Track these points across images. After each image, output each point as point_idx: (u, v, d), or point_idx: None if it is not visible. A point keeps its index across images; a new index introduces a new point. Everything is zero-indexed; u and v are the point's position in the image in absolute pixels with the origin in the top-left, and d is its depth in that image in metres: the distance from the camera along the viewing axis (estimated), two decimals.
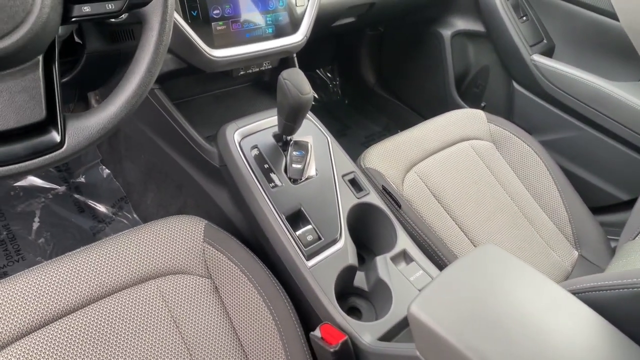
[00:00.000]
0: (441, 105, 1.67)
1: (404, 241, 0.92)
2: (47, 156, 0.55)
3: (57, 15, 0.55)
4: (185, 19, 0.86)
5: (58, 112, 0.57)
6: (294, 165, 0.94)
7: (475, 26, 1.57)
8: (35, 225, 1.34)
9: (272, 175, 0.92)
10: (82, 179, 1.46)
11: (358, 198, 0.96)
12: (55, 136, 0.56)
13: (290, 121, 0.89)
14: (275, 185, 0.91)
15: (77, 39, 0.86)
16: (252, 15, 0.96)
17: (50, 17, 0.53)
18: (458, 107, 1.62)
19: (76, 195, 1.42)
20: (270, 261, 0.87)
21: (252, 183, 0.90)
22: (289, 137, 0.96)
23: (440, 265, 0.99)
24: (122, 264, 0.76)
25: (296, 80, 0.83)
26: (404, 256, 0.91)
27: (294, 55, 1.19)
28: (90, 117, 0.59)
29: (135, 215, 1.37)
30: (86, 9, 0.58)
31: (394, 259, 0.89)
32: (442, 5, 1.60)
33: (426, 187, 1.15)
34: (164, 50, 0.64)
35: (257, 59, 1.00)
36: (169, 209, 1.22)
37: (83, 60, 0.90)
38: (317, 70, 2.07)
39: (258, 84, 1.22)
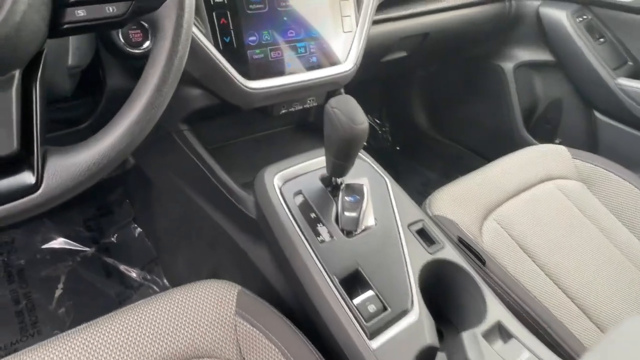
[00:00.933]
0: (508, 145, 1.46)
1: (496, 310, 0.70)
2: (15, 203, 0.41)
3: (40, 18, 0.42)
4: (216, 46, 0.74)
5: (35, 145, 0.43)
6: (347, 214, 0.76)
7: (542, 55, 1.39)
8: (58, 292, 1.21)
9: (321, 227, 0.75)
10: (113, 239, 1.34)
11: (431, 253, 0.75)
12: (29, 176, 0.42)
13: (341, 159, 0.72)
14: (325, 240, 0.73)
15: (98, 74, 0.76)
16: (293, 42, 0.83)
17: (28, 19, 0.40)
18: (527, 144, 1.41)
19: (105, 258, 1.30)
20: (320, 339, 0.67)
21: (296, 237, 0.72)
22: (339, 180, 0.79)
23: (547, 339, 0.74)
24: (142, 342, 0.59)
25: (347, 108, 0.67)
26: (500, 331, 0.68)
27: (342, 90, 1.05)
28: (80, 151, 0.45)
29: (165, 281, 1.22)
30: (80, 12, 0.45)
31: (487, 335, 0.66)
32: (502, 37, 1.44)
33: (509, 236, 0.93)
34: (179, 65, 0.50)
35: (300, 91, 0.86)
36: (200, 272, 1.05)
37: (103, 101, 0.79)
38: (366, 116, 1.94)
39: (302, 126, 1.08)
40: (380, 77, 1.61)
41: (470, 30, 1.31)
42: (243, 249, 0.87)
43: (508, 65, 1.45)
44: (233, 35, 0.76)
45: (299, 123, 1.08)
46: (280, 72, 0.82)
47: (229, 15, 0.75)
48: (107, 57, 0.74)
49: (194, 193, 0.96)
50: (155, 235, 1.27)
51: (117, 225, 1.37)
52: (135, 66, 0.79)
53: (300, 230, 0.73)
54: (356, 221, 0.75)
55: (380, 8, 1.01)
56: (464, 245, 0.83)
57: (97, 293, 1.22)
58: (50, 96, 0.72)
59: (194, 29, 0.72)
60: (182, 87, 0.83)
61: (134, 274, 1.26)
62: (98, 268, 1.28)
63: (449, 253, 0.77)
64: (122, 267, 1.29)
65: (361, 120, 0.68)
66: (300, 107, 0.97)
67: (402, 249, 0.75)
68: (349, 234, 0.75)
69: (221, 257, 0.99)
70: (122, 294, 1.22)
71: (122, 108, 0.49)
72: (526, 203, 1.01)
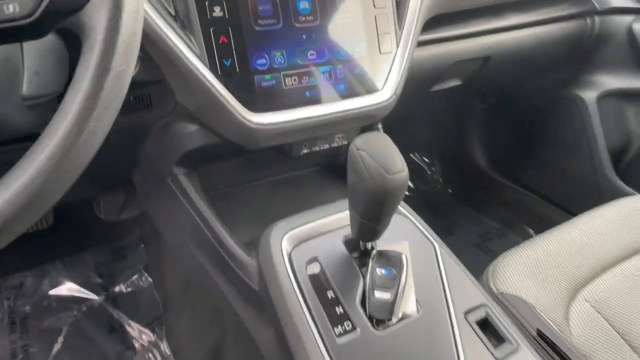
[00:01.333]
0: (592, 193, 1.19)
1: None
2: None
3: None
4: (213, 70, 0.58)
5: None
6: (378, 295, 0.55)
7: (636, 82, 1.12)
8: (57, 347, 1.09)
9: (340, 312, 0.54)
10: (122, 288, 1.21)
11: (499, 359, 0.52)
12: None
13: (370, 219, 0.53)
14: (345, 331, 0.53)
15: None
16: (315, 66, 0.66)
17: None
18: (619, 193, 1.13)
19: (111, 310, 1.16)
20: None
21: (304, 326, 0.52)
22: (369, 245, 0.59)
23: None
24: None
25: (379, 151, 0.49)
26: None
27: (379, 125, 0.86)
28: None
29: (165, 348, 1.05)
30: None
31: None
32: (582, 60, 1.19)
33: (610, 326, 0.68)
34: (114, 88, 0.34)
35: (322, 127, 0.68)
36: (203, 342, 0.87)
37: None
38: (411, 155, 1.72)
39: (330, 168, 0.89)
40: (428, 109, 1.41)
41: (541, 53, 1.09)
42: (246, 326, 0.68)
43: (590, 95, 1.20)
44: (235, 57, 0.60)
45: (325, 165, 0.89)
46: (297, 104, 0.65)
47: (230, 32, 0.59)
48: None
49: (196, 250, 0.79)
50: (164, 288, 1.11)
51: (129, 271, 1.24)
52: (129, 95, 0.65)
53: (312, 316, 0.53)
54: (390, 306, 0.54)
55: (428, 26, 0.82)
56: (547, 344, 0.59)
57: (96, 352, 1.08)
58: (4, 134, 0.59)
59: (183, 48, 0.56)
60: (174, 122, 0.67)
61: (136, 331, 1.11)
62: (102, 321, 1.15)
63: (526, 358, 0.53)
64: (126, 323, 1.14)
65: (398, 167, 0.49)
66: (327, 146, 0.79)
67: (457, 350, 0.52)
68: (379, 323, 0.54)
69: (225, 330, 0.80)
70: (122, 355, 1.07)
71: (31, 148, 0.34)
72: (628, 277, 0.75)
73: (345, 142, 0.82)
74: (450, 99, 1.20)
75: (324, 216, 0.65)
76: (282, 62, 0.64)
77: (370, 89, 0.70)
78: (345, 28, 0.68)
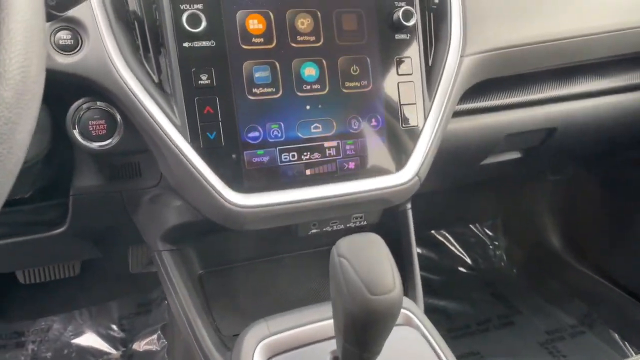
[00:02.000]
0: None
1: None
2: None
3: None
4: (194, 143, 0.51)
5: None
6: None
7: None
8: None
9: None
10: (139, 346, 1.17)
11: None
12: None
13: (354, 345, 0.42)
14: None
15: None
16: (318, 140, 0.57)
17: None
18: None
19: None
20: None
21: None
22: None
23: None
24: None
25: (365, 261, 0.39)
26: None
27: (408, 206, 0.74)
28: None
29: None
30: None
31: None
32: None
33: None
34: None
35: (325, 212, 0.58)
36: None
37: (70, 205, 0.61)
38: (472, 226, 1.53)
39: None
40: (490, 176, 1.24)
41: (624, 125, 0.90)
42: None
43: None
44: (222, 129, 0.52)
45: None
46: (294, 183, 0.56)
47: (217, 101, 0.52)
48: (76, 148, 0.57)
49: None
50: (172, 355, 1.04)
51: (150, 328, 1.20)
52: (111, 163, 0.60)
53: None
54: None
55: (473, 92, 0.70)
56: None
57: None
58: None
59: (161, 119, 0.51)
60: (163, 194, 0.61)
61: None
62: None
63: None
64: None
65: (386, 287, 0.39)
66: (342, 227, 0.69)
67: None
68: None
69: None
70: None
71: None
72: None
73: (364, 223, 0.71)
74: (512, 168, 1.03)
75: (313, 320, 0.54)
76: (279, 135, 0.55)
77: (387, 169, 0.59)
78: (360, 98, 0.58)
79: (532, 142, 0.86)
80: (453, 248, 1.50)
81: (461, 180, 0.92)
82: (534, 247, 1.40)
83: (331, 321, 0.53)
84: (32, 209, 0.63)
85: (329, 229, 0.68)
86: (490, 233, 1.53)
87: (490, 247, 1.51)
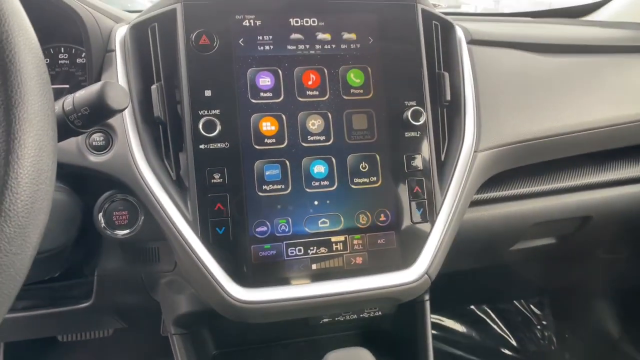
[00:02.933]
0: None
1: None
2: None
3: None
4: (204, 238, 0.54)
5: None
6: None
7: None
8: None
9: None
10: None
11: None
12: None
13: None
14: None
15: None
16: (326, 235, 0.58)
17: None
18: None
19: None
20: None
21: None
22: None
23: None
24: None
25: None
26: None
27: (425, 297, 0.72)
28: None
29: None
30: None
31: None
32: None
33: None
34: None
35: (330, 308, 0.58)
36: None
37: (95, 284, 0.66)
38: (516, 302, 1.43)
39: (364, 336, 0.76)
40: (522, 259, 1.16)
41: None
42: None
43: None
44: (231, 225, 0.55)
45: (361, 328, 0.76)
46: (299, 277, 0.56)
47: (228, 198, 0.55)
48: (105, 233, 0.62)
49: None
50: None
51: None
52: (133, 247, 0.65)
53: None
54: None
55: (490, 183, 0.69)
56: None
57: None
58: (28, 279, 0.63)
59: (174, 214, 0.55)
60: (178, 280, 0.65)
61: None
62: None
63: None
64: None
65: None
66: (355, 317, 0.68)
67: None
68: None
69: None
70: None
71: None
72: None
73: (379, 313, 0.69)
74: (551, 250, 0.97)
75: None
76: (287, 229, 0.57)
77: (395, 266, 0.58)
78: (368, 193, 0.59)
79: (566, 229, 0.81)
80: (496, 327, 1.40)
81: (495, 261, 0.88)
82: (587, 331, 1.28)
83: None
84: (61, 285, 0.68)
85: (341, 318, 0.68)
86: (537, 311, 1.41)
87: (538, 327, 1.39)
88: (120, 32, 0.60)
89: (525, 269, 1.35)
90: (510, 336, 1.39)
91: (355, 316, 0.68)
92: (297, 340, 0.74)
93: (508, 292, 1.41)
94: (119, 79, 0.57)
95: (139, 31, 0.58)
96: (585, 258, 1.24)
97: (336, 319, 0.67)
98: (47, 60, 0.69)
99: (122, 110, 0.44)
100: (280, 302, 0.55)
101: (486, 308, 1.42)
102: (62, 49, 0.70)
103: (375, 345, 0.73)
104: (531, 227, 0.75)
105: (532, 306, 1.42)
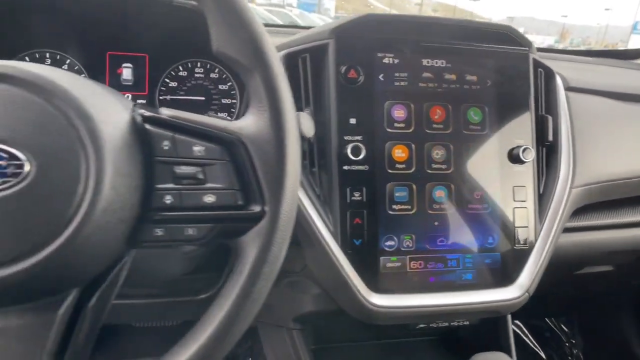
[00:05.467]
0: None
1: None
2: None
3: (112, 238, 0.37)
4: (344, 248, 0.62)
5: None
6: None
7: None
8: None
9: None
10: None
11: None
12: None
13: None
14: None
15: None
16: (442, 253, 0.66)
17: (97, 240, 0.35)
18: None
19: None
20: None
21: None
22: None
23: None
24: None
25: None
26: None
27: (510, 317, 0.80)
28: None
29: None
30: (159, 232, 0.39)
31: None
32: None
33: None
34: (251, 308, 0.39)
35: (442, 316, 0.66)
36: None
37: (223, 277, 0.73)
38: (547, 319, 1.52)
39: (447, 341, 0.84)
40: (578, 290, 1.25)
41: None
42: None
43: None
44: (366, 237, 0.63)
45: (443, 334, 0.84)
46: (419, 288, 0.64)
47: (365, 214, 0.63)
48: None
49: None
50: None
51: None
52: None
53: None
54: None
55: (578, 212, 0.77)
56: None
57: None
58: (165, 276, 0.71)
59: (321, 226, 0.62)
60: (301, 281, 0.72)
61: None
62: None
63: None
64: None
65: None
66: (445, 325, 0.76)
67: None
68: None
69: None
70: None
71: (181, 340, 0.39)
72: None
73: (466, 323, 0.78)
74: (597, 278, 1.05)
75: None
76: (410, 245, 0.65)
77: (500, 283, 0.67)
78: (480, 219, 0.67)
79: (628, 258, 0.90)
80: (527, 340, 1.49)
81: (556, 283, 0.97)
82: (614, 350, 1.37)
83: None
84: (188, 279, 0.76)
85: (434, 325, 0.76)
86: (566, 329, 1.50)
87: (567, 344, 1.48)
88: None
89: (559, 285, 1.43)
90: (541, 350, 1.47)
91: (447, 324, 0.76)
92: (391, 342, 0.82)
93: (540, 309, 1.49)
94: None
95: (292, 59, 0.66)
96: (619, 286, 1.33)
97: (429, 324, 0.75)
98: (184, 74, 0.77)
99: (310, 137, 0.51)
100: (404, 309, 0.63)
101: (518, 322, 1.51)
102: (198, 63, 0.77)
103: (453, 350, 0.82)
104: (602, 256, 0.84)
105: (562, 324, 1.51)
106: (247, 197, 0.40)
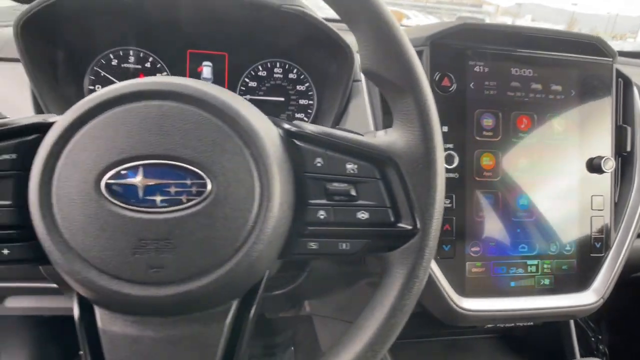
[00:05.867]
0: None
1: None
2: None
3: (273, 251, 0.38)
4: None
5: None
6: None
7: None
8: None
9: None
10: None
11: None
12: None
13: None
14: None
15: None
16: (523, 259, 0.68)
17: (263, 255, 0.37)
18: None
19: None
20: None
21: None
22: None
23: None
24: None
25: None
26: None
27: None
28: None
29: None
30: (313, 245, 0.41)
31: None
32: None
33: None
34: (396, 321, 0.41)
35: (521, 319, 0.69)
36: None
37: (303, 276, 0.75)
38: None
39: (506, 339, 0.87)
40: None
41: None
42: None
43: None
44: (455, 243, 0.65)
45: (502, 332, 0.87)
46: (501, 292, 0.67)
47: (454, 221, 0.65)
48: None
49: None
50: None
51: None
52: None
53: None
54: None
55: None
56: None
57: None
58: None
59: None
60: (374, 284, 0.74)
61: None
62: None
63: None
64: None
65: None
66: (511, 325, 0.78)
67: None
68: None
69: None
70: None
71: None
72: None
73: (531, 323, 0.80)
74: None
75: None
76: (494, 251, 0.67)
77: (577, 289, 0.69)
78: (559, 226, 0.69)
79: None
80: None
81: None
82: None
83: None
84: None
85: (501, 325, 0.78)
86: (592, 325, 1.54)
87: (593, 339, 1.53)
88: None
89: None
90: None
91: (512, 325, 0.78)
92: (451, 339, 0.85)
93: None
94: (366, 109, 0.66)
95: None
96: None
97: (497, 325, 0.78)
98: (264, 74, 0.77)
99: None
100: (488, 312, 0.65)
101: None
102: (277, 64, 0.78)
103: (514, 345, 0.85)
104: None
105: (589, 321, 1.55)
106: (397, 213, 0.41)
